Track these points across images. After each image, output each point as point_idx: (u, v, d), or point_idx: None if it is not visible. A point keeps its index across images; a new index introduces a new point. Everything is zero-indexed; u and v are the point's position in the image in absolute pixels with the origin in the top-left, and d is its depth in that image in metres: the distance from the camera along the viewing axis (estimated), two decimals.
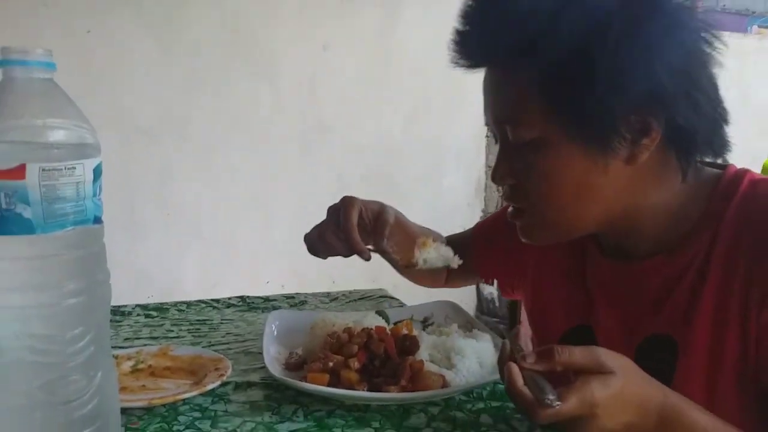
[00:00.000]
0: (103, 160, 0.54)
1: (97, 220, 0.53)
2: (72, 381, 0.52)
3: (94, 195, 0.52)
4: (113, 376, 0.58)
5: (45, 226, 0.49)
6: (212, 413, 0.67)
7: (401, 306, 1.06)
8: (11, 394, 0.51)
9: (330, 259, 0.88)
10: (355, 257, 0.82)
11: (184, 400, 0.69)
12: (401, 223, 0.88)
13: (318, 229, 0.86)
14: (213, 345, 0.90)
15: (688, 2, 0.65)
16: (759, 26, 4.19)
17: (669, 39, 0.62)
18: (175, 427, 0.64)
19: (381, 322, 0.85)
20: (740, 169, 0.72)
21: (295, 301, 1.13)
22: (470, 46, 0.70)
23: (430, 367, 0.73)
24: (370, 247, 0.81)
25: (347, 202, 0.83)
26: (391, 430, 0.64)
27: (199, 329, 0.98)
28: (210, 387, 0.70)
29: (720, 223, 0.68)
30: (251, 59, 2.75)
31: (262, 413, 0.68)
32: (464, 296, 2.98)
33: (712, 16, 0.65)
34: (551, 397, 0.54)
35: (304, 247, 0.87)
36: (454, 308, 0.96)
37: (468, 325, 0.89)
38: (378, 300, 1.15)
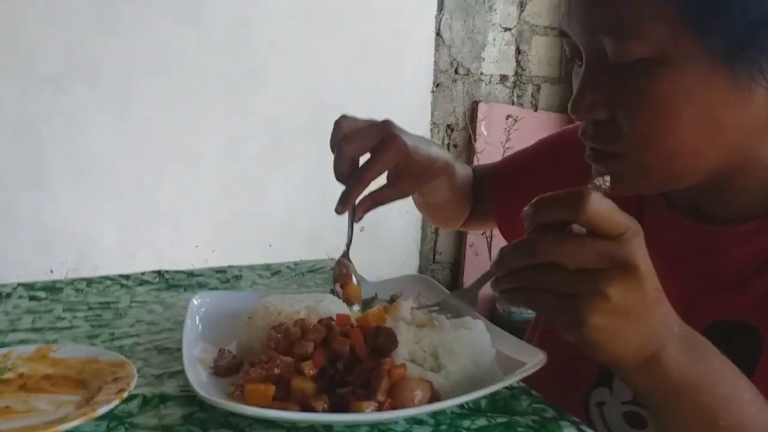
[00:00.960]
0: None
1: None
2: None
3: None
4: None
5: None
6: None
7: (361, 281, 0.86)
8: None
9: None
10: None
11: None
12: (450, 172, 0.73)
13: (350, 126, 0.66)
14: (117, 339, 0.68)
15: None
16: None
17: None
18: None
19: (342, 307, 0.66)
20: None
21: (227, 277, 0.91)
22: None
23: (411, 369, 0.55)
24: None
25: (389, 141, 0.64)
26: None
27: (100, 316, 0.75)
28: (103, 410, 0.49)
29: None
30: (174, 0, 2.46)
31: None
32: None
33: None
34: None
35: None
36: (428, 285, 0.78)
37: (450, 308, 0.71)
38: (330, 273, 0.95)
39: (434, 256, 2.80)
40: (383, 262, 2.47)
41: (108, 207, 2.54)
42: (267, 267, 0.96)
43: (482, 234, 2.89)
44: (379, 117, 0.65)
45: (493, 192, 0.82)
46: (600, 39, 0.50)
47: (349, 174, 0.64)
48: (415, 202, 0.83)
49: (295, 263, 0.98)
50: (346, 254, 0.71)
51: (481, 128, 2.99)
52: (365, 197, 0.66)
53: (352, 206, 0.65)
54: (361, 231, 2.69)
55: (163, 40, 2.47)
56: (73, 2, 2.30)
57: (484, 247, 2.96)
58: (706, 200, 0.58)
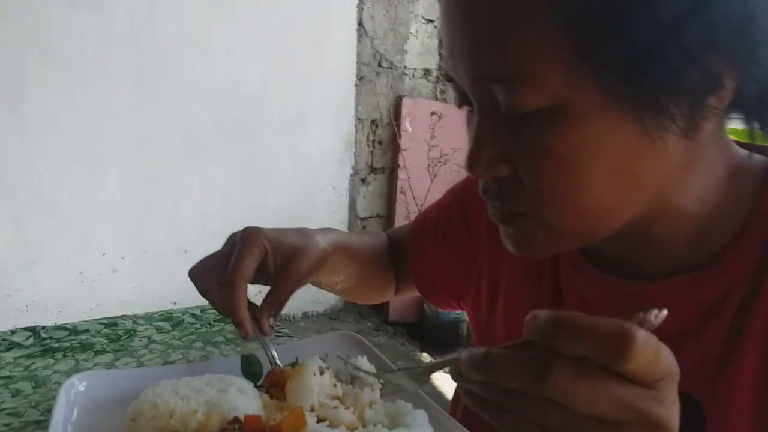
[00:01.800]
0: None
1: None
2: None
3: None
4: None
5: None
6: None
7: (290, 340, 0.75)
8: None
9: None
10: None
11: None
12: (340, 251, 0.66)
13: (203, 264, 0.62)
14: None
15: None
16: None
17: None
18: None
19: (252, 399, 0.53)
20: None
21: (118, 332, 0.77)
22: None
23: None
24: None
25: (246, 239, 0.59)
26: None
27: None
28: None
29: None
30: None
31: None
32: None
33: None
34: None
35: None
36: (356, 342, 0.67)
37: (381, 372, 0.60)
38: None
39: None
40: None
41: (1, 215, 2.31)
42: (167, 317, 0.82)
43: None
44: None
45: (410, 262, 0.74)
46: (490, 86, 0.41)
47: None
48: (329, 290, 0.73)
49: (202, 310, 0.84)
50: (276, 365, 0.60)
51: (406, 124, 2.91)
52: (262, 308, 0.59)
53: (251, 324, 0.58)
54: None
55: (58, 27, 2.26)
56: None
57: None
58: (627, 253, 0.51)
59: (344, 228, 2.84)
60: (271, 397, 0.54)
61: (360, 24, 2.81)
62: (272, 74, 2.69)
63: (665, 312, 0.33)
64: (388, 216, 2.99)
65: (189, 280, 0.62)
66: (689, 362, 0.47)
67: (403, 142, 2.89)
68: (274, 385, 0.55)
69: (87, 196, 2.48)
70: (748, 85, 0.40)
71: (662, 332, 0.47)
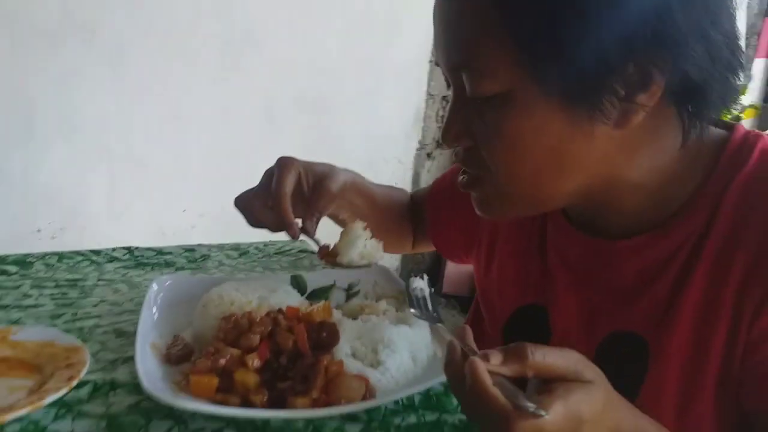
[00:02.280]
0: None
1: None
2: None
3: None
4: None
5: None
6: None
7: (320, 268, 0.89)
8: None
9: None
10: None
11: (7, 421, 0.50)
12: (358, 189, 0.76)
13: (247, 194, 0.73)
14: (78, 320, 0.70)
15: None
16: None
17: None
18: None
19: (294, 298, 0.68)
20: (751, 132, 0.57)
21: (195, 256, 0.94)
22: None
23: (350, 365, 0.58)
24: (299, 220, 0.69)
25: (283, 164, 0.70)
26: None
27: (66, 294, 0.78)
28: (50, 399, 0.51)
29: (720, 202, 0.54)
30: None
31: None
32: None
33: None
34: (530, 404, 0.40)
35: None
36: (386, 275, 0.80)
37: (401, 297, 0.73)
38: (296, 256, 0.97)
39: (421, 277, 2.84)
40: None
41: (98, 168, 2.55)
42: (236, 247, 0.98)
43: None
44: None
45: (428, 217, 0.85)
46: (459, 73, 0.52)
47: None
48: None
49: (264, 244, 1.00)
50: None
51: None
52: (304, 216, 0.70)
53: (297, 227, 0.69)
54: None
55: (156, 1, 2.45)
56: None
57: None
58: (594, 216, 0.60)
59: None
60: (327, 263, 0.68)
61: None
62: (348, 51, 2.81)
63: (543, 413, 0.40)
64: None
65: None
66: (642, 307, 0.58)
67: None
68: (327, 254, 0.68)
69: (173, 157, 2.68)
70: (677, 81, 0.48)
71: (625, 280, 0.58)
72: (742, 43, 0.52)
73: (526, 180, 0.53)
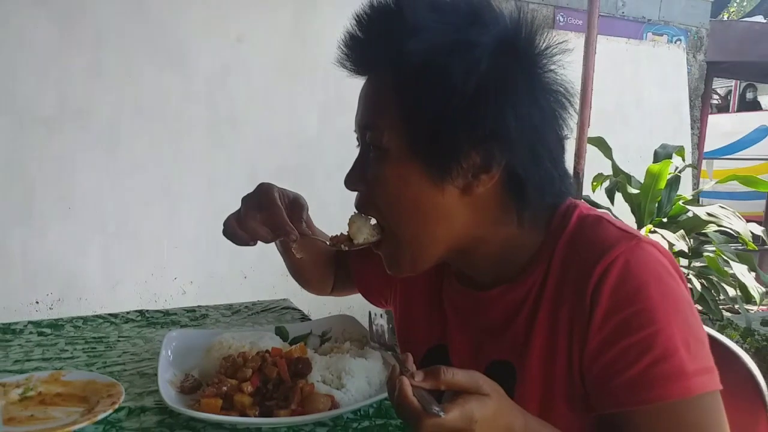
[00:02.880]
0: None
1: None
2: None
3: None
4: None
5: None
6: None
7: (303, 319, 1.09)
8: None
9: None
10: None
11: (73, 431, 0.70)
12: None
13: (237, 214, 0.84)
14: (108, 366, 0.90)
15: (558, 67, 0.70)
16: (653, 33, 4.49)
17: (529, 96, 0.67)
18: None
19: (278, 343, 0.88)
20: (572, 203, 0.77)
21: (196, 315, 1.14)
22: (355, 51, 0.73)
23: (320, 388, 0.78)
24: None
25: (266, 187, 0.84)
26: None
27: (94, 348, 0.97)
28: (101, 416, 0.71)
29: (552, 257, 0.73)
30: (160, 49, 2.68)
31: None
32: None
33: (571, 85, 0.71)
34: (437, 408, 0.59)
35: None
36: (352, 323, 1.01)
37: (363, 340, 0.93)
38: (280, 312, 1.17)
39: (382, 315, 3.01)
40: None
41: (93, 242, 2.70)
42: (229, 307, 1.19)
43: None
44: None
45: (352, 268, 1.00)
46: (363, 131, 0.73)
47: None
48: (289, 265, 0.97)
49: (252, 303, 1.20)
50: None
51: None
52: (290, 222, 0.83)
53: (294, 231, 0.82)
54: None
55: (148, 86, 2.65)
56: (65, 50, 2.50)
57: None
58: (469, 271, 0.79)
59: None
60: (345, 247, 0.78)
61: None
62: (326, 122, 3.03)
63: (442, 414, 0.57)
64: None
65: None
66: (508, 340, 0.76)
67: None
68: (339, 241, 0.78)
69: (164, 229, 2.84)
70: (507, 172, 0.68)
71: (494, 321, 0.77)
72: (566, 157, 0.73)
73: (402, 222, 0.72)
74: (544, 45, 0.70)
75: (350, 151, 0.99)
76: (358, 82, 0.77)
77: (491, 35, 0.67)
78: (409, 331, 0.89)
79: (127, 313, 1.14)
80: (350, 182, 0.75)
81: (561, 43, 0.71)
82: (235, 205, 0.84)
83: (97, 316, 1.11)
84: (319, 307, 1.14)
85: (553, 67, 0.70)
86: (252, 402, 0.74)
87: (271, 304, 1.21)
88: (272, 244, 0.86)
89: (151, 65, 2.66)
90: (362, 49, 0.73)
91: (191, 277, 2.91)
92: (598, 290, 0.68)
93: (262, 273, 2.90)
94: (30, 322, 1.05)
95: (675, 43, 4.49)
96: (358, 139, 0.76)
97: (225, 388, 0.75)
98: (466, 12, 0.68)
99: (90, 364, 0.91)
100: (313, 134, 3.03)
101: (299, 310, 1.19)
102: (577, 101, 0.72)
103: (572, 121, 0.72)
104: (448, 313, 0.83)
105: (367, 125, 0.72)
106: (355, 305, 1.12)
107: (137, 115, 2.69)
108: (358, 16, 0.72)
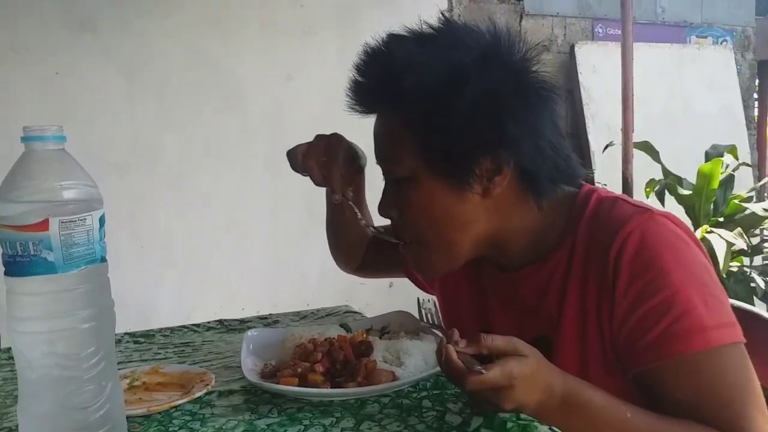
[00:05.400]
0: None
1: (103, 259, 0.67)
2: (88, 390, 0.65)
3: (100, 239, 0.66)
4: (119, 387, 0.70)
5: (64, 267, 0.62)
6: (201, 416, 0.80)
7: (363, 318, 1.19)
8: (41, 403, 0.64)
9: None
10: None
11: (176, 407, 0.82)
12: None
13: (301, 147, 0.94)
14: (197, 363, 1.02)
15: (540, 65, 0.79)
16: (697, 36, 4.47)
17: (517, 98, 0.77)
18: (170, 429, 0.77)
19: (343, 333, 0.99)
20: (590, 188, 0.87)
21: (268, 321, 1.26)
22: (360, 95, 0.84)
23: (382, 365, 0.87)
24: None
25: (336, 140, 0.94)
26: (350, 418, 0.78)
27: (183, 350, 1.10)
28: (198, 395, 0.83)
29: (575, 236, 0.82)
30: (219, 91, 2.88)
31: (243, 413, 0.81)
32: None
33: (554, 79, 0.80)
34: (478, 367, 0.68)
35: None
36: (408, 317, 1.10)
37: (417, 330, 1.03)
38: (342, 315, 1.28)
39: (429, 300, 3.08)
40: (383, 303, 2.75)
41: (166, 276, 2.90)
42: (297, 313, 1.31)
43: None
44: None
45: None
46: (385, 165, 0.83)
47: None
48: (329, 220, 1.13)
49: (317, 309, 1.32)
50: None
51: None
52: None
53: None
54: (390, 287, 2.99)
55: (209, 126, 2.86)
56: (133, 99, 2.73)
57: None
58: (500, 258, 0.89)
59: None
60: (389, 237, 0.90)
61: None
62: (372, 153, 3.18)
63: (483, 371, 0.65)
64: None
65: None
66: (543, 314, 0.85)
67: None
68: (383, 231, 0.93)
69: (231, 261, 3.01)
70: (519, 169, 0.78)
71: (529, 299, 0.85)
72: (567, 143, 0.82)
73: (436, 235, 0.82)
74: (524, 50, 0.80)
75: None
76: None
77: (474, 54, 0.76)
78: (457, 319, 0.99)
79: (208, 322, 1.27)
80: (383, 210, 0.86)
81: (537, 45, 0.80)
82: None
83: (181, 326, 1.25)
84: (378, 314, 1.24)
85: (535, 67, 0.79)
86: (323, 379, 0.85)
87: (334, 309, 1.32)
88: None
89: (212, 106, 2.87)
90: (365, 93, 0.83)
91: (258, 306, 3.04)
92: (618, 262, 0.76)
93: (323, 299, 3.02)
94: (126, 333, 1.20)
95: (721, 44, 4.45)
96: (383, 171, 0.86)
97: (300, 370, 0.86)
98: (448, 39, 0.78)
99: (181, 361, 1.04)
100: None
101: (359, 312, 1.29)
102: (561, 92, 0.80)
103: (561, 109, 0.80)
104: (489, 298, 0.92)
105: (387, 158, 0.84)
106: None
107: (201, 153, 2.88)
108: (356, 63, 0.83)
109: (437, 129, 0.76)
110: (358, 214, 0.95)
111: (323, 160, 0.92)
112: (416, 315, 1.07)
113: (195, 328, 1.24)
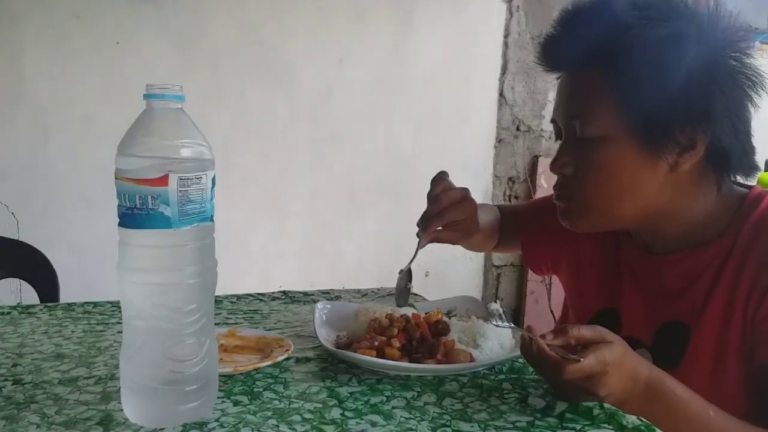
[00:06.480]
0: None
1: (212, 218, 0.68)
2: (188, 345, 0.67)
3: (211, 199, 0.67)
4: (215, 346, 0.72)
5: (179, 223, 0.64)
6: (282, 380, 0.82)
7: (425, 301, 1.20)
8: (145, 352, 0.66)
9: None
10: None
11: (258, 369, 0.83)
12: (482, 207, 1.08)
13: (455, 193, 1.02)
14: (268, 330, 1.04)
15: (750, 55, 0.79)
16: (761, 42, 4.36)
17: (729, 77, 0.78)
18: (255, 390, 0.79)
19: (416, 312, 1.00)
20: (763, 191, 0.87)
21: (331, 296, 1.28)
22: (557, 51, 0.85)
23: (459, 346, 0.88)
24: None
25: (438, 178, 1.03)
26: (431, 393, 0.78)
27: (252, 317, 1.12)
28: (280, 359, 0.85)
29: (738, 235, 0.83)
30: (269, 71, 2.90)
31: (323, 380, 0.82)
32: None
33: (756, 66, 0.80)
34: (573, 356, 0.68)
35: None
36: (475, 302, 1.11)
37: (486, 317, 1.03)
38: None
39: (495, 302, 3.09)
40: (441, 287, 2.77)
41: None
42: (358, 291, 1.32)
43: (542, 281, 3.15)
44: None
45: (522, 231, 1.15)
46: (573, 122, 0.83)
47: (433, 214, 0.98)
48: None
49: (378, 289, 1.33)
50: (408, 269, 1.04)
51: (541, 181, 3.27)
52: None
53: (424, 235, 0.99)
54: (426, 276, 3.00)
55: (258, 105, 2.88)
56: (185, 74, 2.74)
57: (543, 295, 3.21)
58: (649, 239, 0.90)
59: (480, 270, 3.25)
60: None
61: (501, 94, 3.25)
62: (421, 140, 3.15)
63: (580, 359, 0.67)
64: (521, 264, 3.33)
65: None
66: (686, 301, 0.86)
67: (538, 196, 3.26)
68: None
69: (271, 239, 3.05)
70: (713, 146, 0.79)
71: (671, 284, 0.86)
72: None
73: (604, 200, 0.83)
74: (735, 29, 0.80)
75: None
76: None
77: (694, 25, 0.77)
78: (580, 296, 1.00)
79: (273, 292, 1.29)
80: (558, 166, 0.86)
81: (742, 32, 0.80)
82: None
83: (247, 294, 1.27)
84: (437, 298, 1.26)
85: (737, 53, 0.79)
86: (400, 354, 0.86)
87: (394, 290, 1.33)
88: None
89: (261, 86, 2.89)
90: (569, 47, 0.83)
91: (294, 285, 3.07)
92: None
93: (359, 281, 3.04)
94: None
95: None
96: (556, 128, 0.88)
97: (377, 343, 0.87)
98: (665, 8, 0.79)
99: (253, 327, 1.05)
100: (407, 150, 3.16)
101: (420, 295, 1.30)
102: (765, 81, 0.80)
103: (760, 100, 0.80)
104: (624, 276, 0.93)
105: (577, 115, 0.83)
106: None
107: (248, 132, 2.91)
108: (560, 19, 0.84)
109: (648, 93, 0.77)
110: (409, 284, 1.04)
111: (455, 214, 0.99)
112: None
113: (260, 297, 1.26)
